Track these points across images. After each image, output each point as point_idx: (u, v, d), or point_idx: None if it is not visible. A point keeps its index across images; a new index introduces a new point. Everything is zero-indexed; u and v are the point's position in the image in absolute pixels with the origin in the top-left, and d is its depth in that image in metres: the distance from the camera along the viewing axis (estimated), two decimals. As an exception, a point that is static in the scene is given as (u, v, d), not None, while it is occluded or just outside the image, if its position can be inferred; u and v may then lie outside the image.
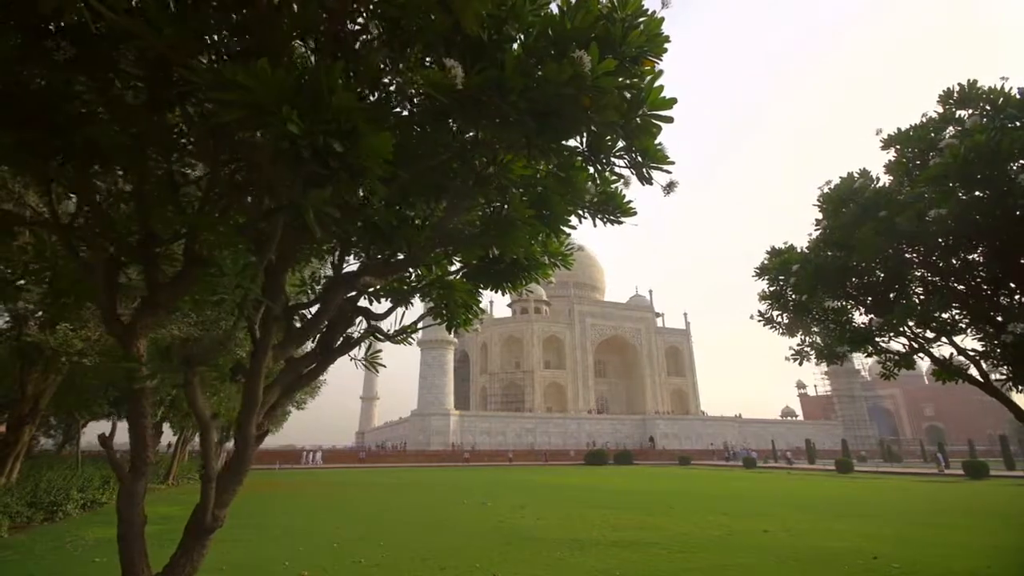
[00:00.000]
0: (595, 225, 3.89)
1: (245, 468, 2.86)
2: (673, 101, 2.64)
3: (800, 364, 7.42)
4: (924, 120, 5.91)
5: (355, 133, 1.83)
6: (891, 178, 6.45)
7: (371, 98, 2.55)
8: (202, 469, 2.74)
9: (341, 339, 3.81)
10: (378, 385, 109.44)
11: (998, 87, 5.28)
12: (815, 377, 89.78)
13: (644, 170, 3.27)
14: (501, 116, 2.46)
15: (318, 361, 3.55)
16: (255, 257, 2.66)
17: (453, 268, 4.78)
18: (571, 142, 3.04)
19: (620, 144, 3.27)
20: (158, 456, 24.30)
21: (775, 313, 7.76)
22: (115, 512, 2.54)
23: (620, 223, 3.91)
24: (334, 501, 18.12)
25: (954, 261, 6.64)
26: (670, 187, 3.22)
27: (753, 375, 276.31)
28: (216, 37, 2.20)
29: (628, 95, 2.61)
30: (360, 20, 2.50)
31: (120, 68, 2.29)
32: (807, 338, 7.56)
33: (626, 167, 3.34)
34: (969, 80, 5.46)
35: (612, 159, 3.33)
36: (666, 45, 2.65)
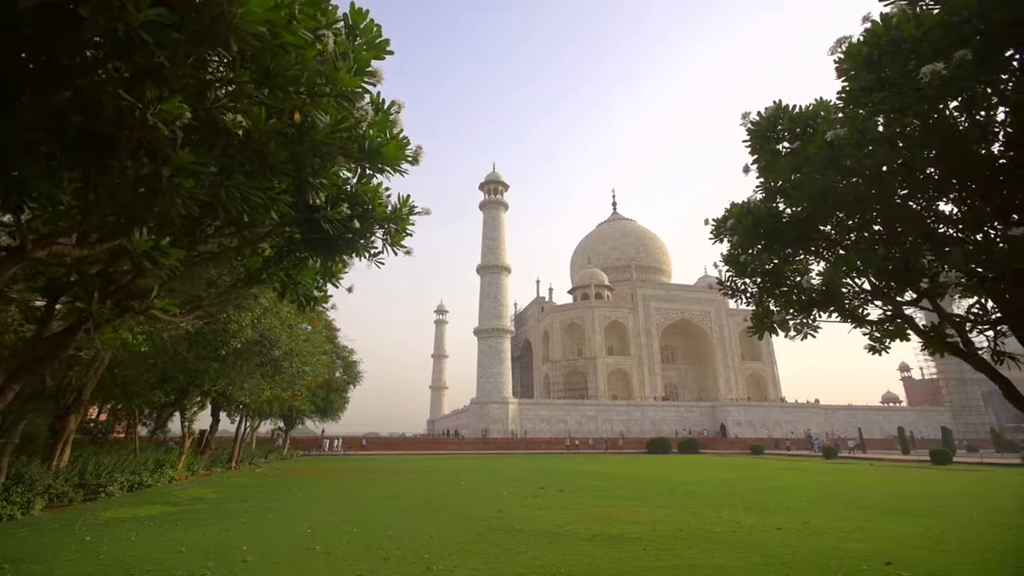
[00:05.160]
0: (363, 176, 3.39)
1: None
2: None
3: (760, 338, 6.31)
4: (870, 24, 4.63)
5: None
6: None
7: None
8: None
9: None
10: (447, 374, 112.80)
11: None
12: (920, 358, 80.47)
13: (342, 89, 2.74)
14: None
15: (58, 341, 3.36)
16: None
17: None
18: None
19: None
20: (218, 443, 26.35)
21: (737, 280, 6.67)
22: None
23: (393, 173, 3.37)
24: (354, 487, 18.61)
25: (946, 207, 5.33)
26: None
27: (852, 358, 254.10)
28: None
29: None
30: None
31: None
32: (772, 307, 6.40)
33: (331, 96, 2.83)
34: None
35: (314, 89, 2.83)
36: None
